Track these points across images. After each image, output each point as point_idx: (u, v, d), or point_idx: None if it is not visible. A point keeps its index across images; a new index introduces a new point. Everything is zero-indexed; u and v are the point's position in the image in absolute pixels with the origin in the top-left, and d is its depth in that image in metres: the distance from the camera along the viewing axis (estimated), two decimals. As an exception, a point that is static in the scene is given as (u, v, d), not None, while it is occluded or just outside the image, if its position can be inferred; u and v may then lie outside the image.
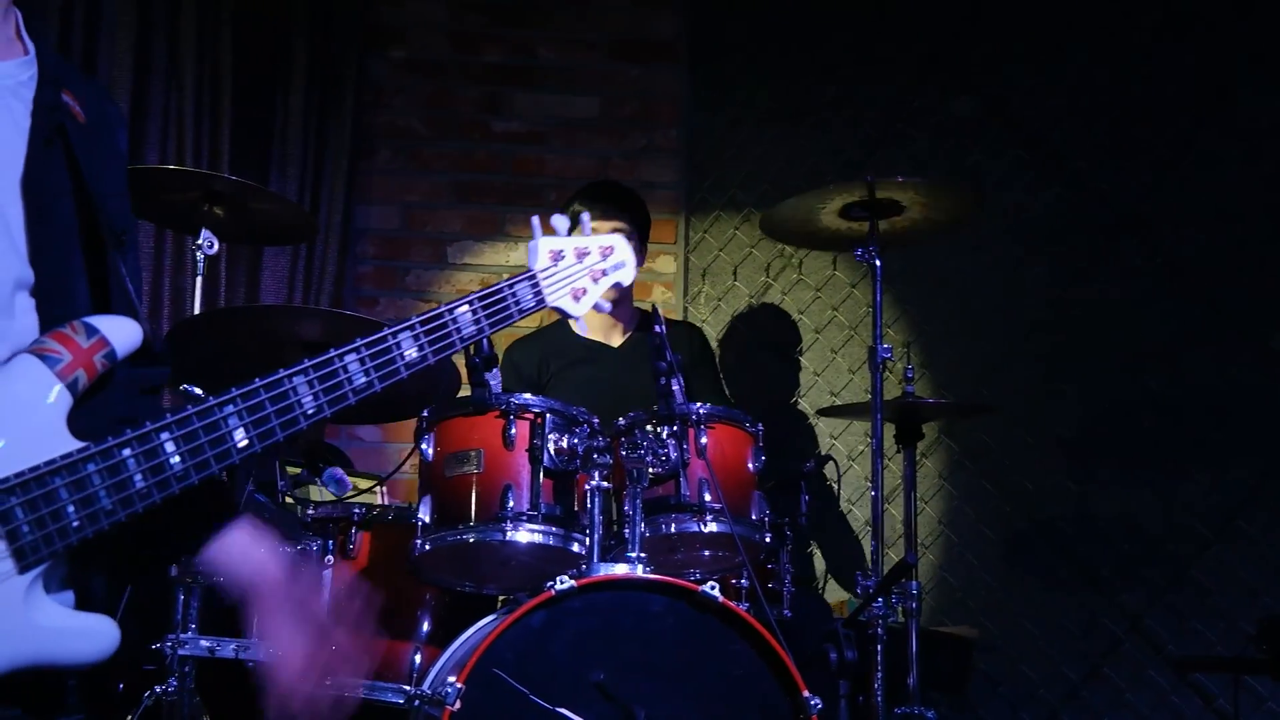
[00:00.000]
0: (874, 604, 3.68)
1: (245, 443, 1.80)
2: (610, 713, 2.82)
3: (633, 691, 2.84)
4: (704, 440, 3.26)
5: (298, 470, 3.68)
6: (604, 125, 5.30)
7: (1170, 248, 4.75)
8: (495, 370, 3.18)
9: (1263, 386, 4.54)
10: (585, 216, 2.27)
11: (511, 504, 3.10)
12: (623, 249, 2.26)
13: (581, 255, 2.20)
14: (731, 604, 2.95)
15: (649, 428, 3.24)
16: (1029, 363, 4.93)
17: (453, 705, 2.74)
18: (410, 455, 3.42)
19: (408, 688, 3.06)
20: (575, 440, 3.16)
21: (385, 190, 5.24)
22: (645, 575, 2.98)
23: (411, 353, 1.95)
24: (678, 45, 5.33)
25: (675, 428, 3.23)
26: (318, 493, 3.70)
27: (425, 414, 3.26)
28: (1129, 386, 4.76)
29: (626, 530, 3.11)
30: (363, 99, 5.20)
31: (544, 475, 3.15)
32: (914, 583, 3.95)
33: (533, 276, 2.13)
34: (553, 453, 3.15)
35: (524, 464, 3.15)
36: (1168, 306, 4.73)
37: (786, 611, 3.59)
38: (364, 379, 1.90)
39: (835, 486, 4.71)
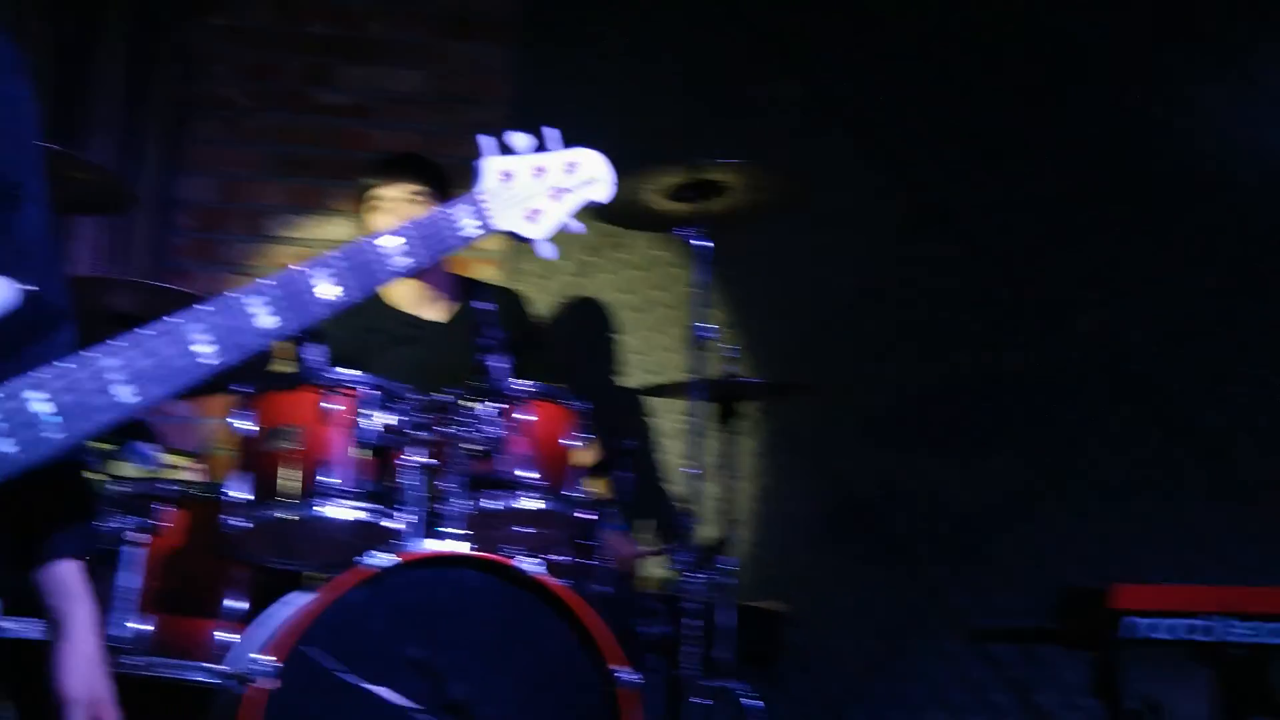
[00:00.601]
0: (689, 579, 3.74)
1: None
2: (426, 689, 2.84)
3: (449, 667, 2.86)
4: (524, 417, 3.28)
5: (106, 445, 3.61)
6: (431, 101, 5.27)
7: (982, 233, 4.90)
8: (315, 345, 3.17)
9: (1066, 368, 4.71)
10: (554, 133, 2.10)
11: (330, 480, 3.09)
12: (593, 163, 2.09)
13: (539, 172, 2.03)
14: (548, 580, 2.99)
15: (469, 404, 3.24)
16: (844, 344, 5.05)
17: (265, 683, 2.73)
18: (224, 431, 3.37)
19: (218, 666, 3.03)
20: (395, 416, 3.16)
21: (205, 161, 5.14)
22: (463, 552, 3.00)
23: (329, 290, 1.80)
24: (509, 22, 5.32)
25: (496, 404, 3.24)
26: (127, 469, 3.63)
27: (242, 389, 3.22)
28: (938, 368, 4.91)
29: (445, 507, 3.12)
30: (182, 67, 5.09)
31: (363, 451, 3.14)
32: (728, 558, 4.03)
33: (472, 197, 1.96)
34: (372, 429, 3.14)
35: (343, 440, 3.14)
36: (977, 290, 4.88)
37: (603, 587, 3.63)
38: (274, 320, 1.75)
39: (656, 464, 4.77)
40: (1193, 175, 4.61)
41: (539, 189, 2.01)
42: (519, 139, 2.04)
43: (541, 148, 2.05)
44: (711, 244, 4.06)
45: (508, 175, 2.00)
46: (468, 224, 1.94)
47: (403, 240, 1.87)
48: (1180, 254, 4.59)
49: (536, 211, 2.01)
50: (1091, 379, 4.65)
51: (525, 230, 2.00)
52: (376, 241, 1.86)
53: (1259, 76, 4.57)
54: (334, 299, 1.81)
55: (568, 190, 2.04)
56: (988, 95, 4.97)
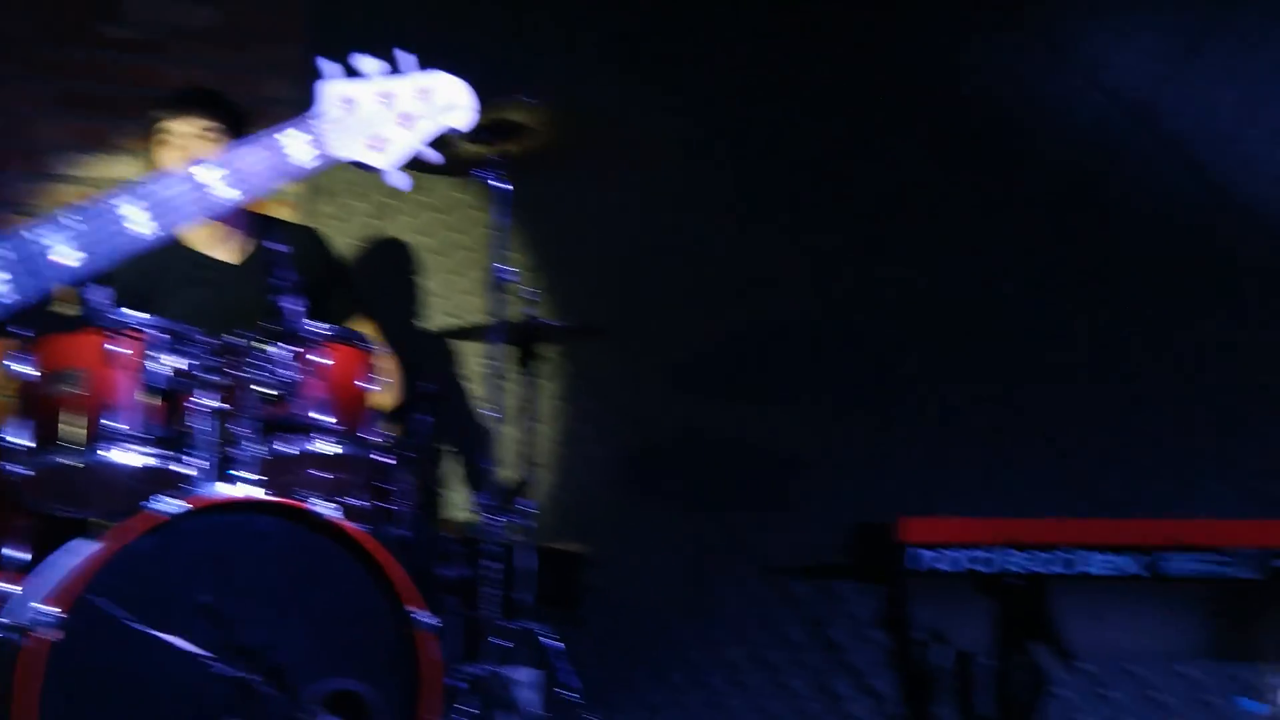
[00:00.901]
0: (489, 522, 3.74)
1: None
2: (218, 636, 2.78)
3: (241, 614, 2.81)
4: (319, 359, 3.22)
5: None
6: (225, 37, 5.10)
7: (786, 178, 4.94)
8: (99, 286, 3.06)
9: (859, 314, 4.80)
10: (408, 58, 1.97)
11: (116, 425, 3.00)
12: (450, 89, 1.95)
13: (386, 98, 1.88)
14: (344, 524, 2.95)
15: (262, 346, 3.18)
16: (647, 290, 5.06)
17: (47, 634, 2.64)
18: (1, 375, 3.23)
19: (-2, 618, 2.93)
20: (184, 360, 3.08)
21: (-18, 96, 4.91)
22: (256, 497, 2.94)
23: (139, 224, 1.66)
24: (307, -43, 5.18)
25: (289, 347, 3.18)
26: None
27: (20, 332, 3.09)
28: (737, 314, 4.96)
29: (238, 451, 3.06)
30: (-43, -3, 4.85)
31: (151, 396, 3.06)
32: (529, 501, 4.04)
33: (307, 123, 1.83)
34: (160, 372, 3.06)
35: (130, 384, 3.05)
36: (775, 238, 4.93)
37: (402, 531, 3.61)
38: (77, 255, 1.62)
39: (456, 407, 4.75)
40: (993, 116, 4.70)
41: (386, 116, 1.88)
42: (367, 63, 1.92)
43: (395, 71, 1.92)
44: (511, 186, 4.03)
45: (349, 101, 1.87)
46: (301, 152, 1.82)
47: (224, 171, 1.75)
48: (978, 196, 4.69)
49: (382, 139, 1.88)
50: (887, 322, 4.74)
51: (370, 159, 1.88)
52: (193, 172, 1.75)
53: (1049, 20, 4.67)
54: (145, 234, 1.70)
55: (420, 117, 1.91)
56: (783, 38, 5.00)
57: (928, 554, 1.98)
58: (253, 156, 1.80)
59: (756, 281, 4.93)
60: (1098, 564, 1.86)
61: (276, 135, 1.83)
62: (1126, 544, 1.86)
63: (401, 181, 1.89)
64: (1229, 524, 1.82)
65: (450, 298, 5.10)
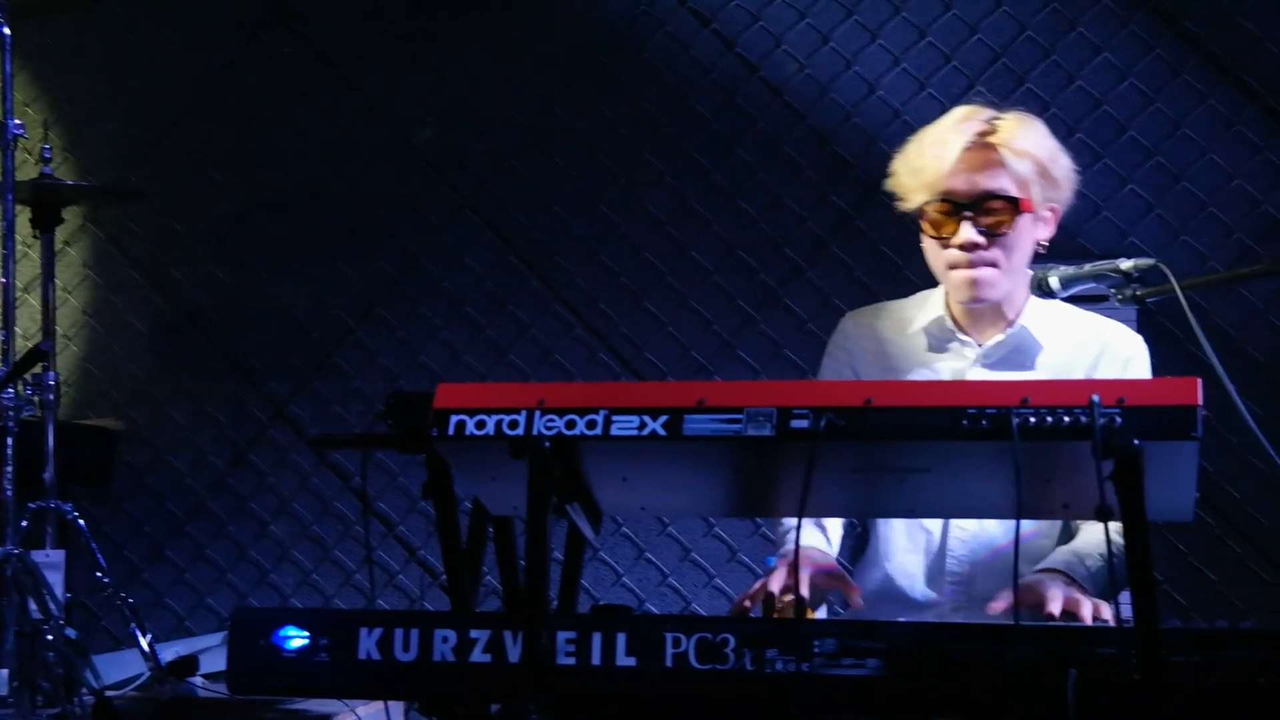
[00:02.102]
0: (5, 397, 3.52)
1: None
2: None
3: None
4: None
5: None
6: None
7: (324, 40, 4.78)
8: None
9: (405, 181, 4.73)
10: None
11: None
12: None
13: None
14: None
15: None
16: (180, 149, 4.83)
17: None
18: None
19: None
20: None
21: None
22: None
23: None
24: None
25: None
26: None
27: None
28: (280, 177, 4.80)
29: None
30: None
31: None
32: (51, 373, 3.80)
33: None
34: None
35: None
36: (322, 98, 4.78)
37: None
38: None
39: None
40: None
41: None
42: None
43: None
44: (9, 32, 3.73)
45: None
46: None
47: None
48: (514, 66, 4.68)
49: None
50: (427, 190, 4.70)
51: None
52: None
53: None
54: None
55: None
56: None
57: (467, 420, 1.96)
58: None
59: (300, 145, 4.77)
60: (623, 425, 1.89)
61: None
62: (651, 406, 1.90)
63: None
64: (748, 385, 1.89)
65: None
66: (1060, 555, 2.63)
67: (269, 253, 4.79)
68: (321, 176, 4.78)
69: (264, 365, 4.75)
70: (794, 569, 2.39)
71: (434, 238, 4.68)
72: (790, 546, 2.70)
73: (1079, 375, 2.75)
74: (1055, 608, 2.38)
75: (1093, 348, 2.78)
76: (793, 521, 2.78)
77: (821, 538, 2.82)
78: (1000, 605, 2.46)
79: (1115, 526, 1.82)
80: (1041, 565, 2.61)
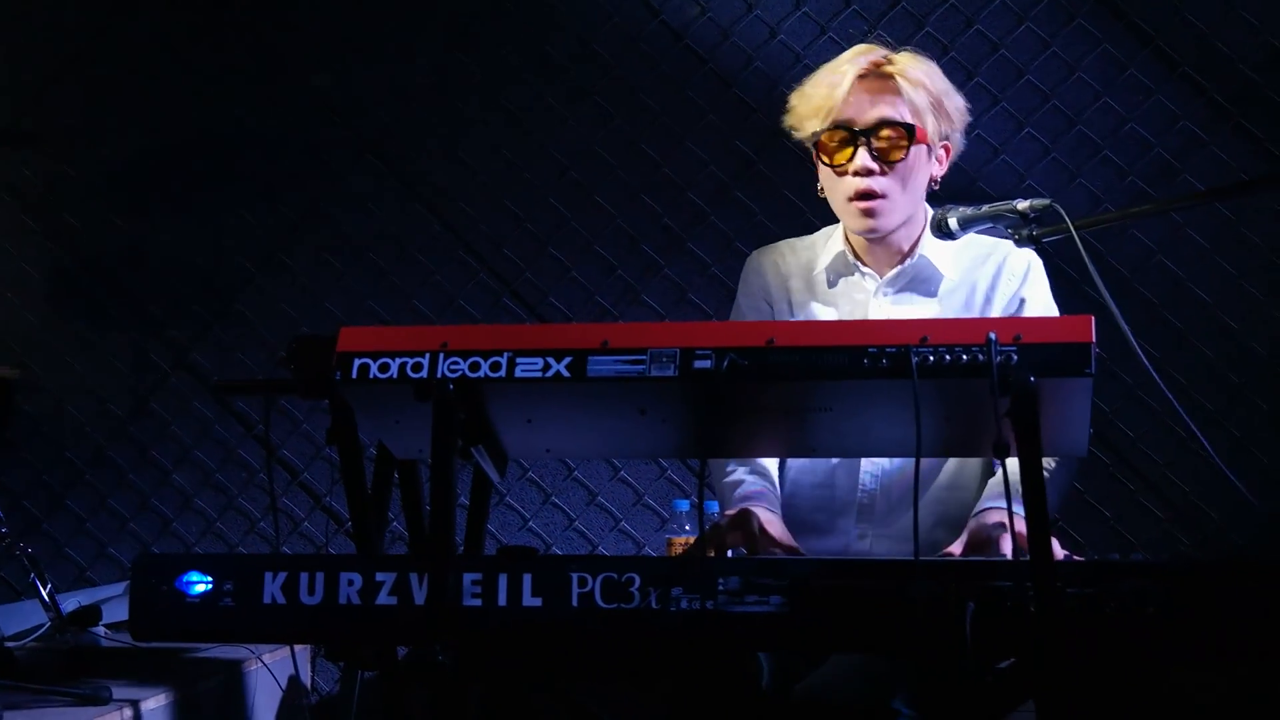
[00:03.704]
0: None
1: None
2: None
3: None
4: None
5: None
6: None
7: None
8: None
9: (306, 127, 4.67)
10: None
11: None
12: None
13: None
14: None
15: None
16: (74, 93, 4.73)
17: None
18: None
19: None
20: None
21: None
22: None
23: None
24: None
25: None
26: None
27: None
28: (177, 122, 4.71)
29: None
30: None
31: None
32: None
33: None
34: None
35: None
36: (219, 41, 4.70)
37: None
38: None
39: None
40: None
41: None
42: None
43: None
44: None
45: None
46: None
47: None
48: (415, 9, 4.64)
49: None
50: (329, 135, 4.64)
51: None
52: None
53: None
54: None
55: None
56: None
57: (371, 363, 1.96)
58: None
59: (190, 90, 4.69)
60: (528, 367, 1.90)
61: None
62: (555, 347, 1.90)
63: None
64: (651, 326, 1.90)
65: None
66: (994, 489, 2.69)
67: (167, 199, 4.71)
68: (220, 121, 4.70)
69: (164, 312, 4.68)
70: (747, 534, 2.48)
71: (336, 183, 4.63)
72: (736, 500, 2.74)
73: (981, 294, 2.81)
74: (1007, 549, 2.44)
75: (990, 265, 2.84)
76: (735, 469, 2.81)
77: (769, 489, 2.82)
78: (956, 549, 2.53)
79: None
80: (982, 505, 2.66)
